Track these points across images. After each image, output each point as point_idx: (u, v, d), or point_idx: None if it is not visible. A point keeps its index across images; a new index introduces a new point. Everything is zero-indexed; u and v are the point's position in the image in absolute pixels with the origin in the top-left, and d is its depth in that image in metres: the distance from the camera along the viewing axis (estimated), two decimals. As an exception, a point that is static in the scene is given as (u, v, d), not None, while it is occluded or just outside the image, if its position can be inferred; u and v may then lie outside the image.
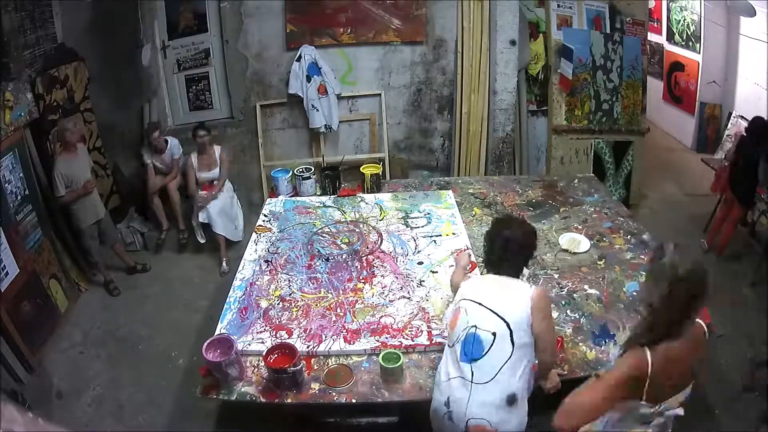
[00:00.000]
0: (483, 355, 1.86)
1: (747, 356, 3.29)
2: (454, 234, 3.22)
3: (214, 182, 4.49)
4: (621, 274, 2.89)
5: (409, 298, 2.67)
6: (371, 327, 2.48)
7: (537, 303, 1.89)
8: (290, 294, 2.74)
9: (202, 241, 4.58)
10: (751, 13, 5.46)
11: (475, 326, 1.88)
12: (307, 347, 2.38)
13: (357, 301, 2.66)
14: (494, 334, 1.86)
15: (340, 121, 5.10)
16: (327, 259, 3.01)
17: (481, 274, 2.03)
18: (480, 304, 1.91)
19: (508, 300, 1.90)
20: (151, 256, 4.68)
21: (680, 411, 1.70)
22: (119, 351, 3.60)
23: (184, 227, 4.70)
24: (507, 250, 1.97)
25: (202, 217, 4.38)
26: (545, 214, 3.51)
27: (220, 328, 2.52)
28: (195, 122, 4.93)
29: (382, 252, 3.07)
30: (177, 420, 3.03)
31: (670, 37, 6.93)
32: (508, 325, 1.85)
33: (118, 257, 4.36)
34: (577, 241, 3.16)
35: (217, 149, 4.48)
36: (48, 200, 3.95)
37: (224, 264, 4.42)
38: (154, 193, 4.60)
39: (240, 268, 3.00)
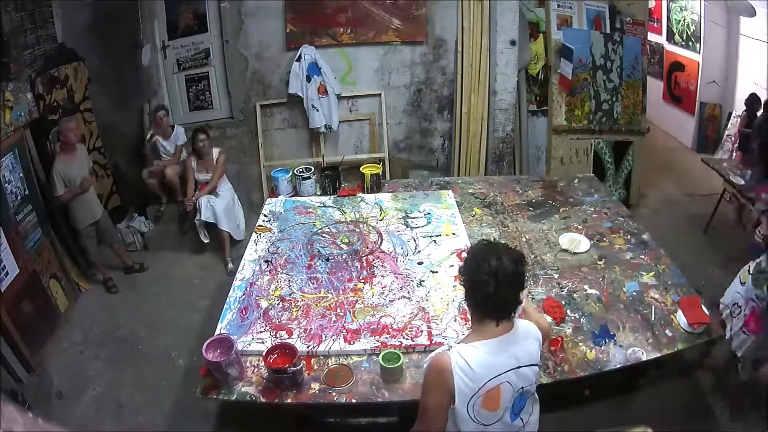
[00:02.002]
0: (527, 403, 1.75)
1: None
2: (454, 234, 3.22)
3: None
4: (621, 274, 2.89)
5: (409, 298, 2.67)
6: (371, 327, 2.48)
7: (545, 331, 1.83)
8: (290, 294, 2.74)
9: (206, 240, 4.58)
10: (751, 13, 5.47)
11: (522, 387, 1.69)
12: (307, 347, 2.37)
13: (357, 301, 2.66)
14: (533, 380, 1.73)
15: (340, 121, 5.10)
16: (327, 259, 3.01)
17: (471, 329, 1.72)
18: (518, 367, 1.66)
19: (530, 345, 1.71)
20: (151, 256, 4.68)
21: None
22: (119, 351, 3.60)
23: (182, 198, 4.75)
24: (510, 286, 1.59)
25: (206, 216, 4.39)
26: (545, 214, 3.51)
27: (220, 328, 2.52)
28: (195, 122, 4.94)
29: (382, 252, 3.07)
30: (177, 420, 3.03)
31: (670, 37, 6.93)
32: (538, 365, 1.76)
33: (117, 256, 4.37)
34: (577, 241, 3.15)
35: (215, 151, 4.48)
36: (48, 200, 3.95)
37: (230, 263, 4.42)
38: (151, 171, 4.62)
39: (240, 268, 3.00)
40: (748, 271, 2.64)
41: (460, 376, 1.59)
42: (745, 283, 2.65)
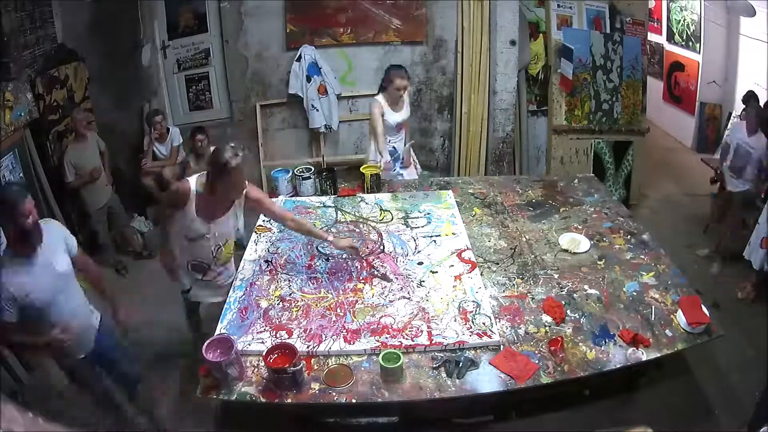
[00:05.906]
0: None
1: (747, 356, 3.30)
2: (454, 234, 3.22)
3: None
4: (621, 274, 2.89)
5: (409, 298, 2.67)
6: (371, 327, 2.48)
7: None
8: (290, 294, 2.74)
9: None
10: (751, 13, 5.47)
11: None
12: (307, 347, 2.37)
13: (357, 301, 2.66)
14: None
15: (340, 121, 5.10)
16: (327, 259, 3.01)
17: None
18: None
19: None
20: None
21: None
22: (119, 351, 3.60)
23: None
24: None
25: None
26: (545, 214, 3.51)
27: (220, 328, 2.52)
28: (195, 122, 4.94)
29: (382, 252, 3.07)
30: (177, 420, 3.03)
31: (670, 37, 6.94)
32: None
33: (126, 241, 4.54)
34: (577, 241, 3.15)
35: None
36: (48, 200, 3.97)
37: None
38: (147, 174, 4.66)
39: (240, 268, 3.00)
40: None
41: None
42: None
